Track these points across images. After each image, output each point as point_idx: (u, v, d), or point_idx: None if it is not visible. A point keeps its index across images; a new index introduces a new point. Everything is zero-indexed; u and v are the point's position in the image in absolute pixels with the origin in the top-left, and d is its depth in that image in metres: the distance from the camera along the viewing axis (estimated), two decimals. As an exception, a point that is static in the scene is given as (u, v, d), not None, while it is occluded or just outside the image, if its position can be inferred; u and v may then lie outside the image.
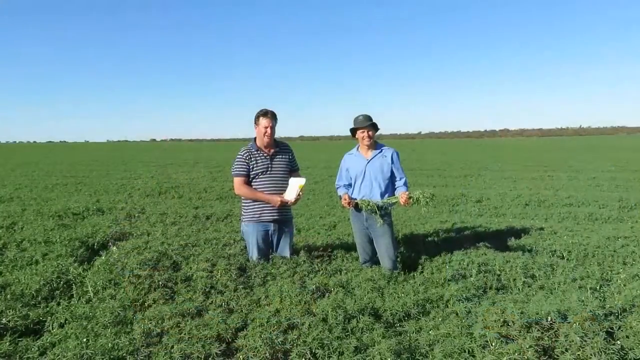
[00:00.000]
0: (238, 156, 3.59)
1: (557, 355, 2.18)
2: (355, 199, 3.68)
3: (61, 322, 2.71)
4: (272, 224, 3.62)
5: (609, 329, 2.41)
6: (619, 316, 2.63)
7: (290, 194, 3.53)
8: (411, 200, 3.50)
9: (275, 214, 3.59)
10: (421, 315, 2.74)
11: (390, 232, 3.68)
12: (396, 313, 2.71)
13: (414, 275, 3.67)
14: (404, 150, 40.00)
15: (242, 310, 2.78)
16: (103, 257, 3.96)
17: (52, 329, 2.67)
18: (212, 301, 2.95)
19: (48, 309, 2.95)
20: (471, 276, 3.60)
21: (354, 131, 3.74)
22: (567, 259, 4.27)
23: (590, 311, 2.49)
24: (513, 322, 2.39)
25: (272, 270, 3.39)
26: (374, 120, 3.68)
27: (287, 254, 3.68)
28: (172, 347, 2.28)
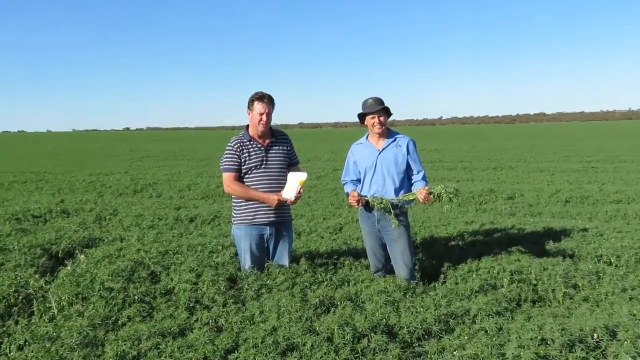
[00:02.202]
0: (228, 148, 3.58)
1: (606, 380, 2.17)
2: (365, 197, 3.67)
3: (20, 344, 2.72)
4: (267, 227, 3.61)
5: (667, 348, 2.39)
6: (679, 333, 2.60)
7: (289, 192, 3.52)
8: (431, 196, 3.48)
9: (271, 215, 3.58)
10: (444, 333, 2.73)
11: (406, 235, 3.66)
12: (414, 331, 2.69)
13: (434, 286, 3.65)
14: (421, 139, 39.97)
15: (232, 329, 2.78)
16: (69, 268, 3.97)
17: (10, 352, 2.67)
18: (197, 318, 2.95)
19: (4, 328, 2.95)
20: (502, 286, 3.59)
21: (362, 117, 3.71)
22: (616, 266, 4.25)
23: (645, 327, 2.47)
24: (552, 340, 2.38)
25: (268, 282, 3.39)
26: (386, 104, 3.66)
27: (285, 262, 3.68)
28: (151, 372, 2.28)
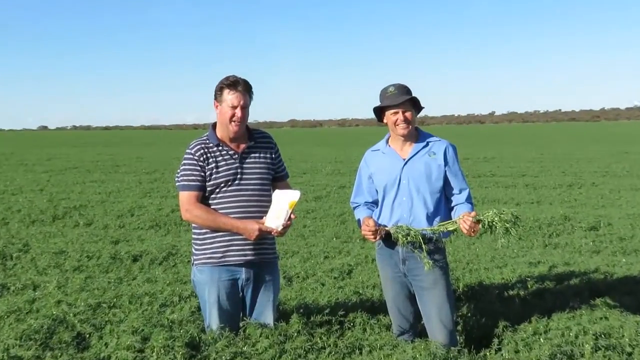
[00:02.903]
0: (187, 156, 3.60)
1: None
2: (386, 226, 3.68)
3: None
4: (243, 270, 3.61)
5: None
6: None
7: (274, 218, 3.53)
8: (480, 226, 3.48)
9: (248, 253, 3.58)
10: (499, 423, 2.71)
11: (444, 282, 3.66)
12: (456, 420, 2.67)
13: (485, 354, 3.64)
14: (466, 143, 40.04)
15: (193, 417, 2.76)
16: (-41, 327, 3.95)
17: None
18: (142, 401, 2.94)
19: None
20: (583, 356, 3.57)
21: (381, 112, 3.74)
22: None
23: None
24: None
25: (245, 348, 3.37)
26: (414, 94, 3.68)
27: (269, 319, 3.67)
28: None
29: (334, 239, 8.44)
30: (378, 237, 3.65)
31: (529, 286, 5.34)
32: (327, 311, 4.19)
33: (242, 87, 3.54)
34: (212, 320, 3.60)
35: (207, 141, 3.61)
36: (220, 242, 3.58)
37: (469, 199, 3.70)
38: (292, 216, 3.53)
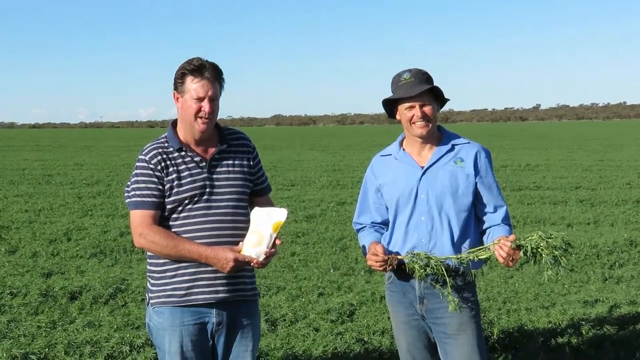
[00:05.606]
0: (140, 164, 3.58)
1: None
2: (399, 254, 3.68)
3: None
4: (213, 311, 3.59)
5: None
6: None
7: (254, 244, 3.51)
8: (520, 254, 3.45)
9: (221, 289, 3.56)
10: None
11: (473, 327, 3.65)
12: None
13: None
14: (502, 146, 40.06)
15: None
16: None
17: None
18: None
19: None
20: None
21: (393, 106, 3.75)
22: None
23: None
24: None
25: (215, 413, 3.36)
26: (435, 83, 3.68)
27: (246, 375, 3.67)
28: None
29: (331, 270, 8.41)
30: (389, 268, 3.64)
31: (584, 332, 5.33)
32: (322, 364, 4.20)
33: (209, 72, 3.52)
34: (173, 377, 3.59)
35: (166, 144, 3.59)
36: (183, 275, 3.55)
37: (506, 219, 3.70)
38: (277, 242, 3.52)
